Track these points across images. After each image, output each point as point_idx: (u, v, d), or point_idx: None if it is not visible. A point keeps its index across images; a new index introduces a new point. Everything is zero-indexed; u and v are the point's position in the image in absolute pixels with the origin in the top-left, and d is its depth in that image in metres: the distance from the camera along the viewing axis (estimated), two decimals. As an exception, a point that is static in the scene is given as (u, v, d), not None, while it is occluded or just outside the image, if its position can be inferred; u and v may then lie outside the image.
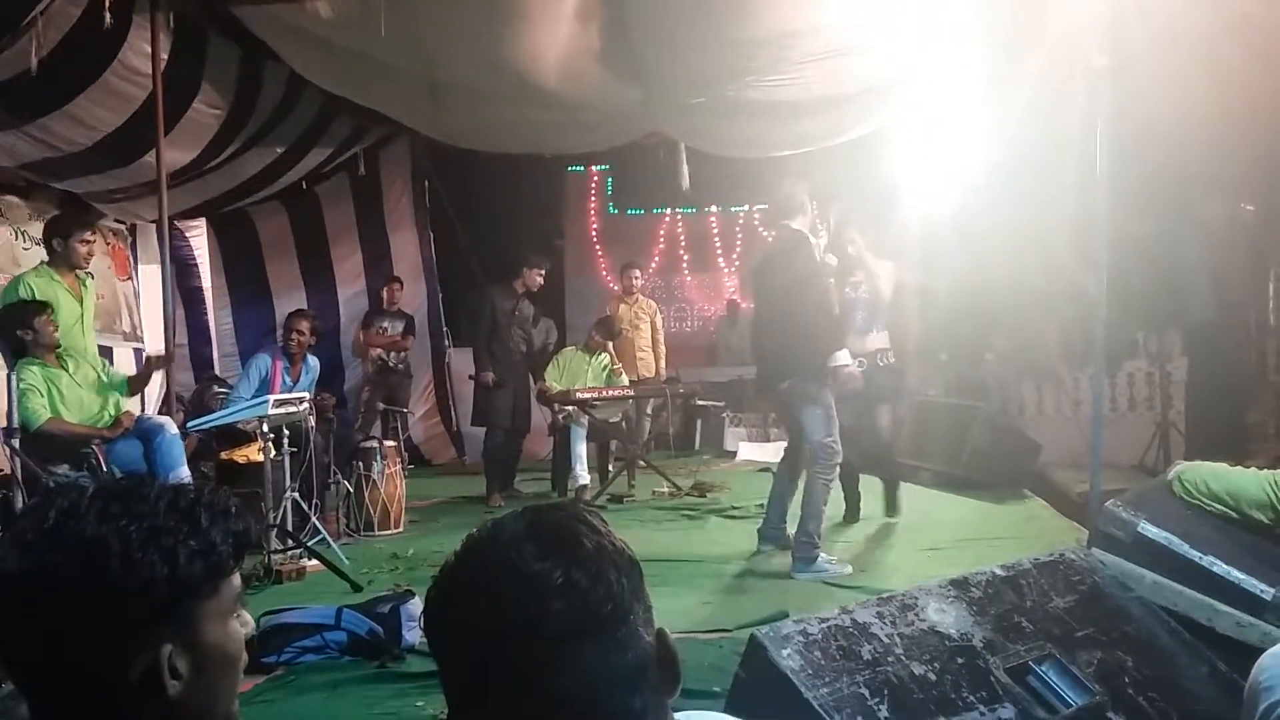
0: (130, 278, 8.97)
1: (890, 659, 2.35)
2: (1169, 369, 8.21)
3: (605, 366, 8.33)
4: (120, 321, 8.67)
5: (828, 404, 5.28)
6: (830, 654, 2.30)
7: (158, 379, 7.02)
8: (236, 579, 1.11)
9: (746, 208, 12.42)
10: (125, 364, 8.06)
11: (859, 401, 5.83)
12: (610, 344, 8.43)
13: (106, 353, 8.46)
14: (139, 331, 8.89)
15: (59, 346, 5.45)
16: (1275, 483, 3.01)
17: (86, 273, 5.99)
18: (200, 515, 1.06)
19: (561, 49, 6.37)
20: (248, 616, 1.15)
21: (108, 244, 8.76)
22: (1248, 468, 3.21)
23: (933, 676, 2.34)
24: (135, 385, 5.97)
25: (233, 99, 7.15)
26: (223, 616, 1.09)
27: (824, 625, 2.37)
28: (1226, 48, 5.41)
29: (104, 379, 5.70)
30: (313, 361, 6.89)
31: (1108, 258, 5.14)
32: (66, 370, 5.46)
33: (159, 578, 1.01)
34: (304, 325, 6.87)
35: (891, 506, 6.57)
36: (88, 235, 5.83)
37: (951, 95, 7.35)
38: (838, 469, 5.39)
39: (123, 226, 8.91)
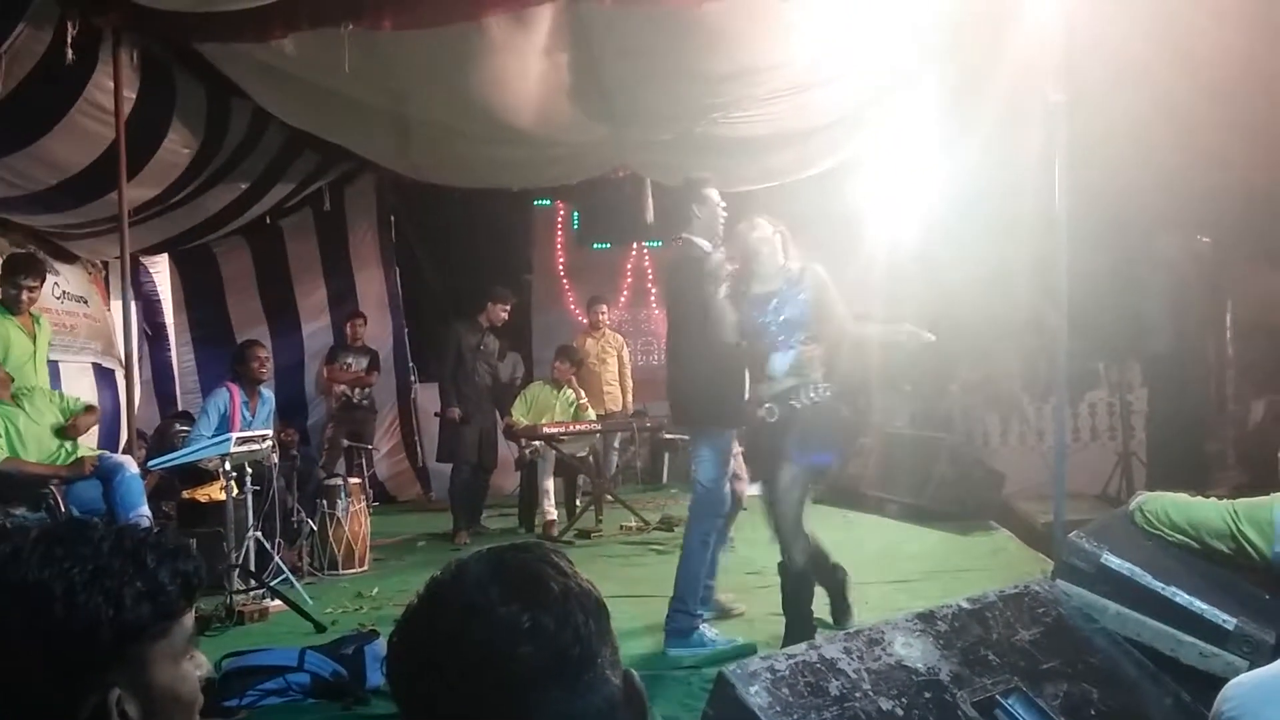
0: (110, 309, 8.92)
1: (858, 694, 2.34)
2: (1130, 399, 8.31)
3: (572, 402, 8.32)
4: (116, 346, 8.61)
5: (724, 446, 4.59)
6: (798, 690, 2.29)
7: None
8: (188, 620, 1.10)
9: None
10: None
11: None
12: (574, 377, 8.41)
13: (108, 375, 8.42)
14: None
15: (12, 381, 5.38)
16: (1235, 513, 3.03)
17: (40, 312, 5.93)
18: (146, 556, 1.05)
19: (530, 84, 6.39)
20: (202, 658, 1.13)
21: (89, 274, 8.69)
22: (1208, 497, 3.24)
23: (900, 712, 2.33)
24: (86, 417, 5.83)
25: (203, 135, 7.10)
26: (174, 658, 1.07)
27: (791, 661, 2.36)
28: (1181, 83, 5.52)
29: (60, 410, 5.62)
30: (267, 394, 6.83)
31: (1068, 290, 5.20)
32: (23, 409, 5.38)
33: (103, 620, 0.99)
34: (263, 353, 6.82)
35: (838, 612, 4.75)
36: (21, 279, 5.76)
37: (913, 130, 7.45)
38: (719, 523, 4.68)
39: (99, 260, 8.86)
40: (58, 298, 7.97)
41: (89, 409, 5.73)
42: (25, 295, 5.74)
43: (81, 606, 0.99)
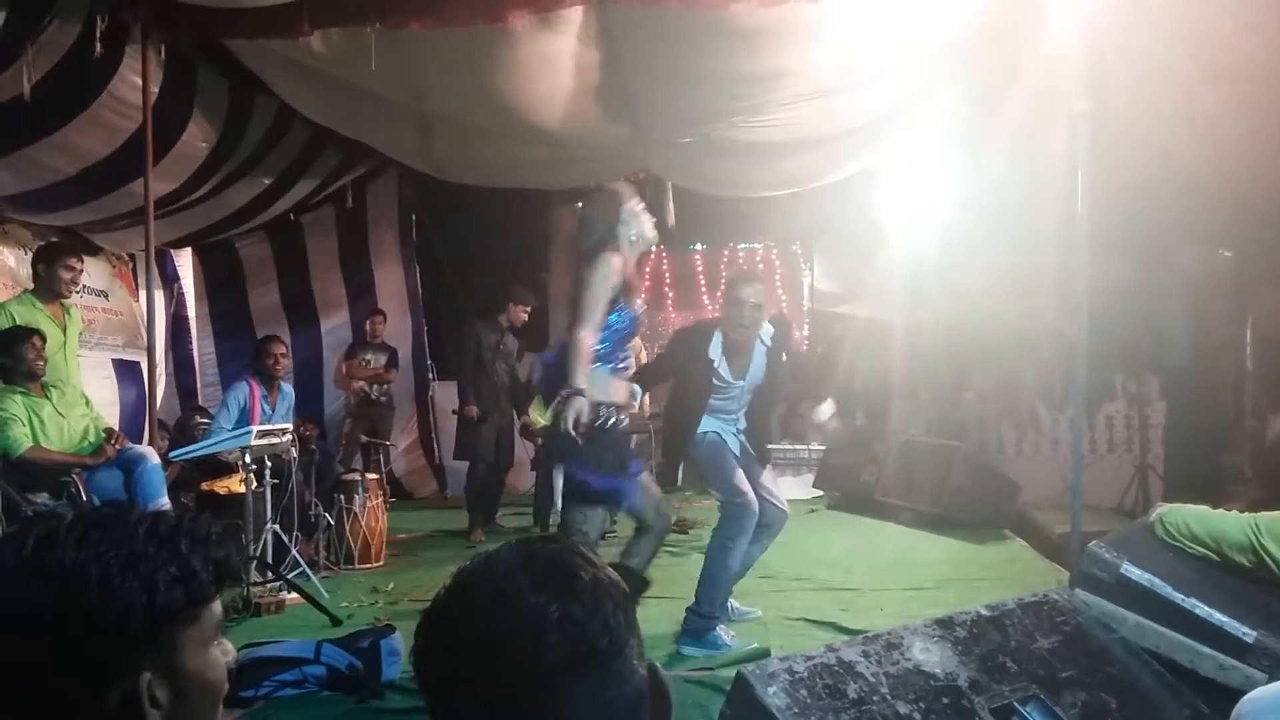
0: (139, 299, 8.99)
1: (876, 698, 2.34)
2: (1147, 412, 8.27)
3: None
4: (142, 338, 8.67)
5: (706, 458, 4.80)
6: (816, 692, 2.29)
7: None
8: (217, 607, 1.10)
9: (731, 246, 12.48)
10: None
11: None
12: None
13: (131, 368, 8.48)
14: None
15: (43, 376, 5.41)
16: (1257, 526, 3.02)
17: (71, 303, 5.96)
18: (180, 542, 1.05)
19: (553, 85, 6.41)
20: (229, 645, 1.14)
21: (114, 268, 8.76)
22: (1228, 510, 3.22)
23: (918, 717, 2.33)
24: (109, 437, 5.72)
25: (221, 130, 7.15)
26: (204, 644, 1.08)
27: (810, 663, 2.36)
28: (1205, 94, 5.50)
29: (89, 413, 5.67)
30: (287, 389, 6.87)
31: (1087, 301, 5.18)
32: (49, 400, 5.42)
33: (138, 605, 1.00)
34: (280, 349, 6.85)
35: None
36: (72, 261, 5.82)
37: (935, 137, 7.43)
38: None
39: (124, 253, 8.93)
40: (78, 291, 8.05)
41: (110, 432, 5.70)
42: (71, 276, 5.78)
43: (116, 590, 1.00)
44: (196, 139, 7.04)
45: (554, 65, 6.18)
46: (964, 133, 7.18)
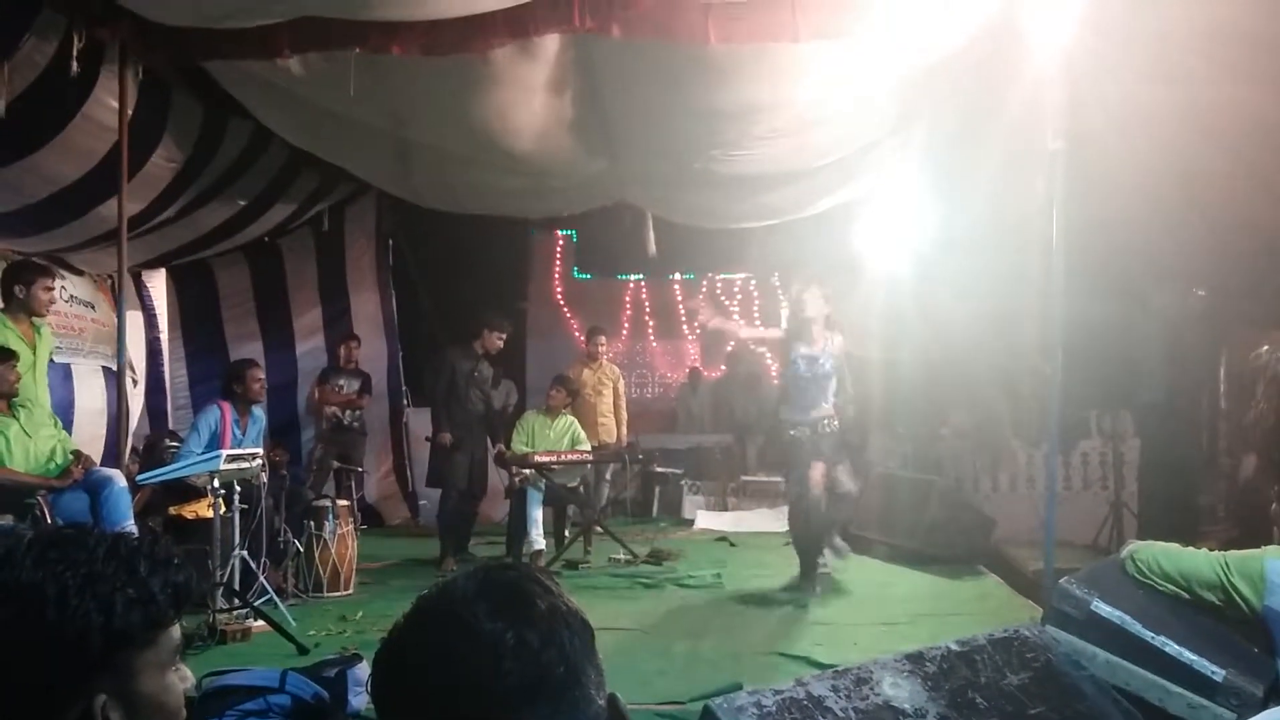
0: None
1: (844, 733, 2.32)
2: (1121, 449, 8.30)
3: (568, 429, 8.26)
4: (125, 352, 8.59)
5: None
6: (783, 727, 2.27)
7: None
8: (176, 631, 1.09)
9: (709, 276, 12.54)
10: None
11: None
12: (569, 407, 8.40)
13: (116, 379, 8.47)
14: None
15: (15, 395, 5.34)
16: (1226, 564, 3.03)
17: (43, 321, 5.91)
18: (139, 564, 1.04)
19: (533, 116, 6.43)
20: (187, 671, 1.13)
21: (96, 283, 8.73)
22: (1199, 548, 3.23)
23: (886, 752, 2.31)
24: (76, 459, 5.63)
25: (190, 152, 7.12)
26: (160, 668, 1.06)
27: (779, 697, 2.35)
28: (1181, 133, 5.55)
29: (57, 434, 5.59)
30: (258, 413, 6.78)
31: (1063, 338, 5.21)
32: (17, 419, 5.34)
33: (94, 625, 0.99)
34: (260, 374, 6.78)
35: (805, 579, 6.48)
36: (49, 283, 5.77)
37: (913, 173, 7.49)
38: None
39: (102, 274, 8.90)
40: (66, 301, 8.02)
41: (77, 454, 5.63)
42: (47, 296, 5.74)
43: (73, 610, 0.99)
44: (163, 159, 7.00)
45: (533, 96, 6.20)
46: (941, 169, 7.24)
